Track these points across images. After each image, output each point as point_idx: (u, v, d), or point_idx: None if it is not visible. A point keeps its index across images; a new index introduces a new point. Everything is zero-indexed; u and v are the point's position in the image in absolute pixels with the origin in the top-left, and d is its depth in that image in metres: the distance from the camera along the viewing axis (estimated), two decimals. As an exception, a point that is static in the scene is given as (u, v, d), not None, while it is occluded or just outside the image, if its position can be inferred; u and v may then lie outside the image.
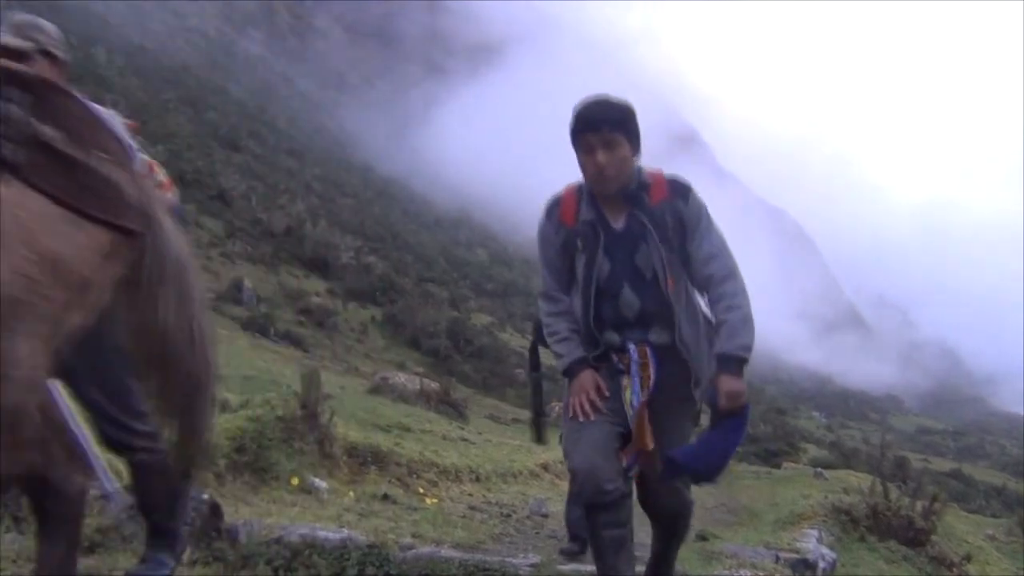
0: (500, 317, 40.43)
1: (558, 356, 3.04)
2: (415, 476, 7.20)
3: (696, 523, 8.12)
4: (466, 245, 64.36)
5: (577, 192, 3.02)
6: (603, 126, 2.85)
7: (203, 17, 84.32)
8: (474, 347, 30.38)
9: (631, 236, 2.94)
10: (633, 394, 2.92)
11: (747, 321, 2.89)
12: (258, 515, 4.31)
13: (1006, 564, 9.84)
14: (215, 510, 3.44)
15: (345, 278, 33.44)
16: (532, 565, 4.44)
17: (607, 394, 2.96)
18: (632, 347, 2.93)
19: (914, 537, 7.42)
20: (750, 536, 6.86)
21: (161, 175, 3.15)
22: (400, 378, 16.82)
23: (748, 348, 2.86)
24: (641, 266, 2.92)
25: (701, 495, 12.41)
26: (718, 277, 2.92)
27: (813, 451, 34.19)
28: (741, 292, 2.93)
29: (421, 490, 6.96)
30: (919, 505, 7.78)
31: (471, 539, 5.36)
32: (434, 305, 34.90)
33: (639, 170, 2.96)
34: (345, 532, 4.06)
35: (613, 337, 2.96)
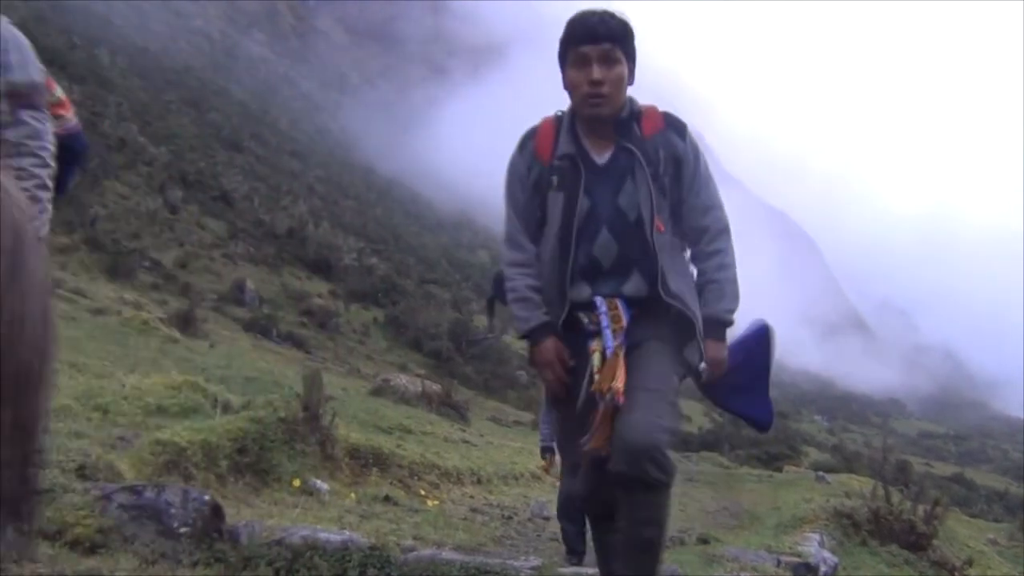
0: (503, 319, 40.41)
1: (517, 319, 2.68)
2: (417, 478, 7.20)
3: (697, 526, 8.13)
4: (468, 247, 64.45)
5: (556, 123, 2.67)
6: (603, 39, 2.53)
7: (206, 18, 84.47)
8: (477, 349, 30.39)
9: (616, 171, 2.58)
10: (605, 344, 2.55)
11: (736, 284, 2.68)
12: (260, 516, 4.30)
13: (1008, 568, 9.81)
14: (216, 511, 3.44)
15: (347, 279, 33.49)
16: (533, 568, 4.43)
17: (571, 364, 2.62)
18: (600, 300, 2.57)
19: (916, 541, 7.41)
20: (751, 540, 6.84)
21: (59, 93, 2.92)
22: (402, 380, 16.81)
23: (734, 313, 2.67)
24: (624, 206, 2.56)
25: (702, 498, 12.43)
26: (714, 231, 2.66)
27: (815, 455, 34.17)
28: (733, 252, 2.70)
29: (422, 492, 6.95)
30: (921, 509, 7.77)
31: (472, 541, 5.36)
32: (436, 307, 34.94)
33: (631, 99, 2.64)
34: (346, 534, 4.05)
35: (583, 290, 2.60)
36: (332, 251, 35.22)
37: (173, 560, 3.03)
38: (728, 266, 2.67)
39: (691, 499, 11.80)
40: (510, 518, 6.89)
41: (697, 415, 45.09)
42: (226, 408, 6.67)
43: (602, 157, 2.60)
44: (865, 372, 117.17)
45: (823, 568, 5.73)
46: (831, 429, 59.95)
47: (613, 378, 2.49)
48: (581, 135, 2.62)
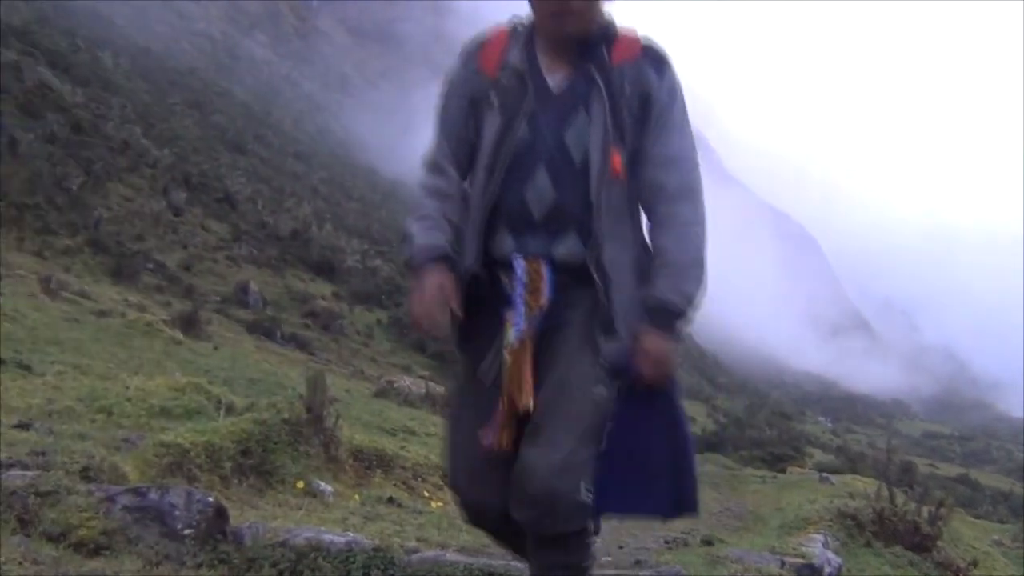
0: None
1: (408, 238, 2.13)
2: (420, 480, 7.20)
3: (701, 527, 8.11)
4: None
5: (510, 32, 2.20)
6: None
7: (208, 20, 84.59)
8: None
9: (569, 100, 2.09)
10: (514, 328, 2.02)
11: (698, 265, 2.06)
12: (263, 518, 4.31)
13: (1013, 570, 9.78)
14: (220, 513, 3.44)
15: (351, 281, 33.50)
16: (537, 569, 4.43)
17: (458, 312, 2.07)
18: (519, 261, 2.05)
19: (920, 543, 7.39)
20: (755, 541, 6.83)
21: None
22: (406, 381, 16.84)
23: (691, 300, 2.04)
24: (571, 145, 2.06)
25: (705, 499, 12.39)
26: (672, 190, 2.07)
27: (819, 456, 34.10)
28: (698, 223, 2.08)
29: (426, 494, 6.96)
30: (925, 510, 7.75)
31: (476, 543, 5.35)
32: (439, 308, 34.93)
33: (611, 20, 2.19)
34: (350, 535, 4.06)
35: (505, 243, 2.09)
36: (336, 253, 35.25)
37: (177, 562, 3.03)
38: (686, 239, 2.06)
39: (695, 500, 11.77)
40: (514, 520, 6.88)
41: (700, 416, 45.05)
42: (230, 410, 6.68)
43: (556, 80, 2.11)
44: (868, 373, 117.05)
45: (827, 569, 5.72)
46: (835, 430, 59.86)
47: (520, 383, 2.00)
48: (538, 51, 2.15)
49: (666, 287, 2.03)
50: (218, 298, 25.51)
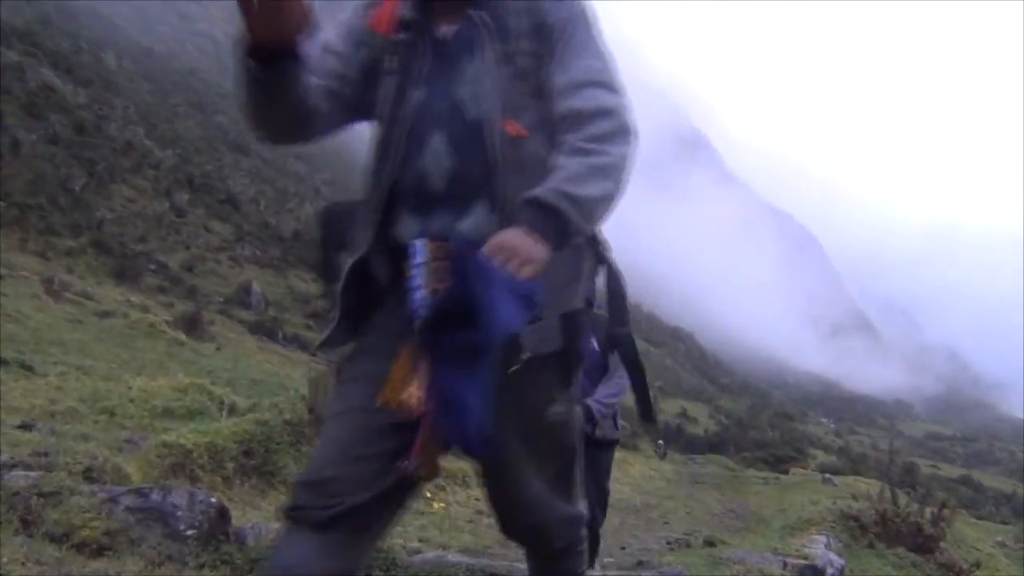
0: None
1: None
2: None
3: (704, 528, 8.11)
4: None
5: None
6: None
7: (210, 20, 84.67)
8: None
9: (457, 49, 1.77)
10: (413, 305, 1.62)
11: (603, 171, 1.64)
12: (266, 519, 4.31)
13: (1015, 571, 9.78)
14: (223, 513, 3.44)
15: (352, 282, 33.56)
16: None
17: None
18: (419, 244, 1.66)
19: (923, 544, 7.38)
20: (758, 542, 6.84)
21: None
22: (407, 382, 16.80)
23: (580, 203, 1.60)
24: (463, 99, 1.73)
25: (709, 500, 12.41)
26: (587, 113, 1.68)
27: (821, 457, 34.11)
28: (616, 136, 1.68)
29: (428, 495, 6.96)
30: (928, 512, 7.75)
31: (478, 544, 5.36)
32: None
33: None
34: (352, 536, 4.06)
35: (406, 227, 1.74)
36: (337, 253, 35.33)
37: (179, 562, 3.04)
38: (592, 152, 1.65)
39: (697, 501, 11.79)
40: (516, 520, 6.89)
41: (703, 417, 45.06)
42: (232, 410, 6.69)
43: (447, 29, 1.78)
44: (870, 373, 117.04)
45: (829, 570, 5.72)
46: (837, 431, 59.84)
47: (405, 383, 1.62)
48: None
49: (547, 187, 1.60)
50: (220, 299, 25.54)
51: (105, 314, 15.47)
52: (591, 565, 4.73)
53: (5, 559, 2.64)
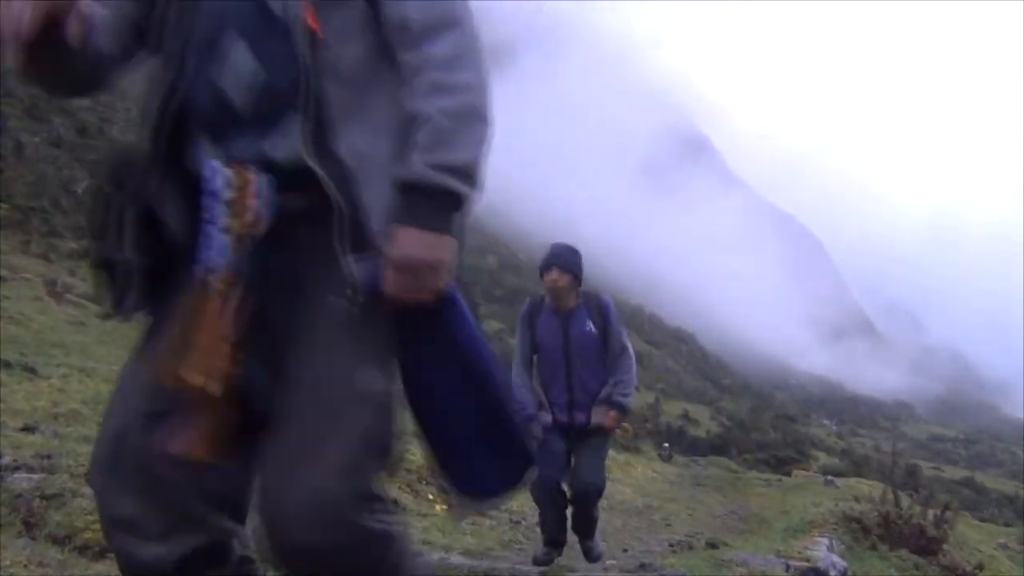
0: (510, 323, 40.48)
1: None
2: (425, 482, 7.19)
3: (706, 531, 8.10)
4: (476, 251, 64.48)
5: None
6: None
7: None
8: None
9: None
10: (206, 250, 1.40)
11: (467, 121, 1.42)
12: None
13: (1019, 573, 9.76)
14: (225, 516, 3.44)
15: (354, 283, 33.60)
16: (541, 572, 4.44)
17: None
18: (214, 168, 1.42)
19: (926, 546, 7.37)
20: (760, 544, 6.83)
21: None
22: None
23: (461, 171, 1.39)
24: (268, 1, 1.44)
25: (711, 502, 12.39)
26: (418, 29, 1.43)
27: (824, 458, 34.08)
28: (467, 60, 1.45)
29: (431, 496, 6.95)
30: (931, 514, 7.73)
31: (480, 546, 5.36)
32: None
33: None
34: (354, 538, 4.05)
35: (201, 152, 1.47)
36: (339, 255, 35.37)
37: (182, 565, 3.03)
38: (446, 86, 1.41)
39: (699, 503, 11.78)
40: (518, 523, 6.88)
41: (705, 419, 45.03)
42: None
43: None
44: (873, 374, 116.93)
45: (832, 572, 5.71)
46: (840, 433, 59.80)
47: (203, 348, 1.36)
48: None
49: (419, 159, 1.38)
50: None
51: (108, 316, 15.47)
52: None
53: (7, 561, 2.64)
